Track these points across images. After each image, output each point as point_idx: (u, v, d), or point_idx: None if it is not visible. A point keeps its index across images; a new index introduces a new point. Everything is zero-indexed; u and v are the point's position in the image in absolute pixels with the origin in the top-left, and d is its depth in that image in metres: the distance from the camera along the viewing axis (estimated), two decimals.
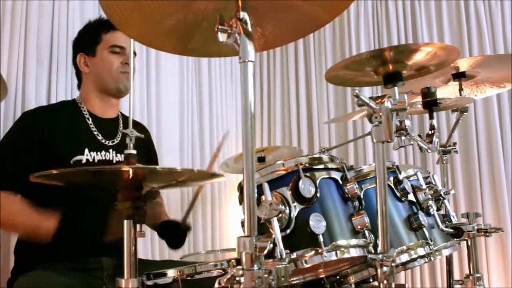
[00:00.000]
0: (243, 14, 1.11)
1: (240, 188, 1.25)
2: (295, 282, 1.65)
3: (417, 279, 3.37)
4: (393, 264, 1.22)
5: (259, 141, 4.09)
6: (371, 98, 1.27)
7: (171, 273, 1.58)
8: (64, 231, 1.77)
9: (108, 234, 1.62)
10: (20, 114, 2.33)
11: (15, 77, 2.42)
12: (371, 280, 1.92)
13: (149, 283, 1.60)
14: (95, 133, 2.05)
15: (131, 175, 1.23)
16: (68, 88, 2.59)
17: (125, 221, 1.29)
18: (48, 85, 2.57)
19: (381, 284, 1.22)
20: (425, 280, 3.36)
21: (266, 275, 1.00)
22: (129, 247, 1.28)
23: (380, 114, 1.25)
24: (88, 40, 2.13)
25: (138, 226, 1.32)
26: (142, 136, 1.34)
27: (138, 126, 2.25)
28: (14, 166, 1.88)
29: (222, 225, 3.65)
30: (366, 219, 1.43)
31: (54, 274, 1.79)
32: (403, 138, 1.39)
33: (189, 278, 1.56)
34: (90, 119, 2.07)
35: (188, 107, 3.53)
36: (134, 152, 1.30)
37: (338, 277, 1.70)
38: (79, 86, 2.20)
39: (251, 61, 1.09)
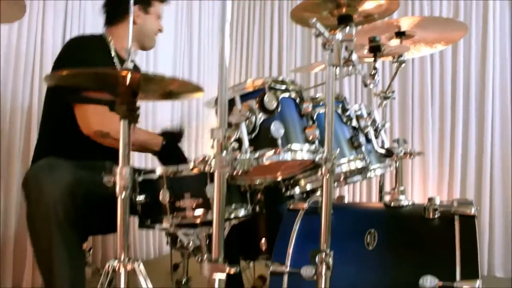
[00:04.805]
0: None
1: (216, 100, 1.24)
2: (258, 183, 1.69)
3: (357, 193, 3.54)
4: (335, 162, 1.25)
5: (238, 76, 4.11)
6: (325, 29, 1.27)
7: (158, 171, 1.61)
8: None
9: None
10: (39, 54, 2.46)
11: (35, 24, 2.42)
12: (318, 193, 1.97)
13: (140, 179, 1.63)
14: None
15: (128, 80, 1.23)
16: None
17: (122, 121, 1.30)
18: (63, 32, 2.60)
19: (324, 178, 1.26)
20: (363, 194, 3.51)
21: (232, 160, 1.02)
22: (124, 140, 1.29)
23: (332, 43, 1.26)
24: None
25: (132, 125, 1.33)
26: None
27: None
28: None
29: (204, 142, 3.73)
30: (317, 132, 1.44)
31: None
32: (350, 68, 1.41)
33: (171, 175, 1.60)
34: (116, 58, 2.09)
35: (180, 46, 3.51)
36: (132, 65, 1.30)
37: (292, 181, 1.73)
38: (111, 23, 2.16)
39: None
